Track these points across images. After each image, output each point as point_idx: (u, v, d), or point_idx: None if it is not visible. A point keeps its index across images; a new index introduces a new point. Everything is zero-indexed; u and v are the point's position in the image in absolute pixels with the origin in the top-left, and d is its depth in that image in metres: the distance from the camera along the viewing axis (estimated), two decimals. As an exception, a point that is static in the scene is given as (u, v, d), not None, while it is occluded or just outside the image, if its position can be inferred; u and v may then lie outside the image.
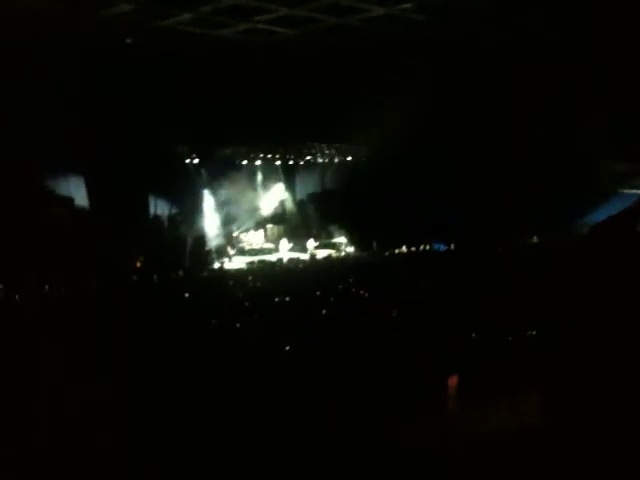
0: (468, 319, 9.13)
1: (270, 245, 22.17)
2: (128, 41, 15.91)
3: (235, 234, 22.04)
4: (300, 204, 24.09)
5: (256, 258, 20.41)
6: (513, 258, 15.80)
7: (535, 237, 20.29)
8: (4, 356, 8.01)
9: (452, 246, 20.22)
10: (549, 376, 7.01)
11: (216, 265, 19.42)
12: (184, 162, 20.84)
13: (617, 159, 21.01)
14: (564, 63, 16.33)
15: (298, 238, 22.29)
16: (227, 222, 21.95)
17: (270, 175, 23.28)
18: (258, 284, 15.21)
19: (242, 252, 21.42)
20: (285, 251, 21.62)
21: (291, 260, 20.10)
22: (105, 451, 6.16)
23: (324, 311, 11.24)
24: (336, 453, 6.19)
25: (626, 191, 21.50)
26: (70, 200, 18.28)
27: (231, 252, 20.95)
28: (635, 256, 12.95)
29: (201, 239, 20.22)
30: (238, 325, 10.39)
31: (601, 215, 21.02)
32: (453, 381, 7.55)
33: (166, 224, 20.49)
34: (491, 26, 15.21)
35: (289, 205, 23.86)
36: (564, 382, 6.71)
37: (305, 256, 21.06)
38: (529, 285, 11.49)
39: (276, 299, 12.60)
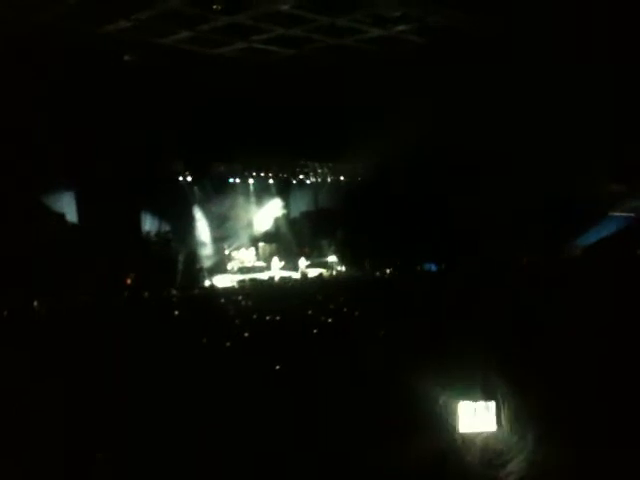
0: (459, 339, 9.13)
1: (262, 263, 22.15)
2: (126, 58, 15.99)
3: (227, 252, 22.00)
4: (292, 222, 24.07)
5: (247, 276, 20.37)
6: (504, 278, 15.81)
7: (526, 258, 20.32)
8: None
9: (443, 266, 20.23)
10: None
11: (207, 283, 19.38)
12: (177, 179, 20.82)
13: (610, 181, 21.14)
14: (561, 81, 16.45)
15: (290, 256, 22.29)
16: (219, 240, 21.91)
17: (263, 193, 23.30)
18: (249, 303, 15.14)
19: (233, 270, 21.38)
20: (277, 269, 21.60)
21: (282, 279, 20.08)
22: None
23: (315, 330, 11.21)
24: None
25: (617, 214, 21.59)
26: (61, 216, 18.18)
27: (222, 270, 20.93)
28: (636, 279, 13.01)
29: (192, 256, 20.14)
30: (228, 344, 10.33)
31: (592, 237, 21.09)
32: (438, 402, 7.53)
33: (158, 241, 20.39)
34: (488, 47, 15.38)
35: (281, 223, 23.83)
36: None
37: (296, 275, 21.06)
38: (520, 304, 11.52)
39: (267, 317, 12.55)
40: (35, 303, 14.01)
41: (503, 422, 6.72)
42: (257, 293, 17.06)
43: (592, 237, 21.03)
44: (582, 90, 16.19)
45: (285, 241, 23.37)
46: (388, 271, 20.27)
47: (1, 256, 14.07)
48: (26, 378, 7.71)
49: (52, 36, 13.99)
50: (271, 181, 23.26)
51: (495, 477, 6.24)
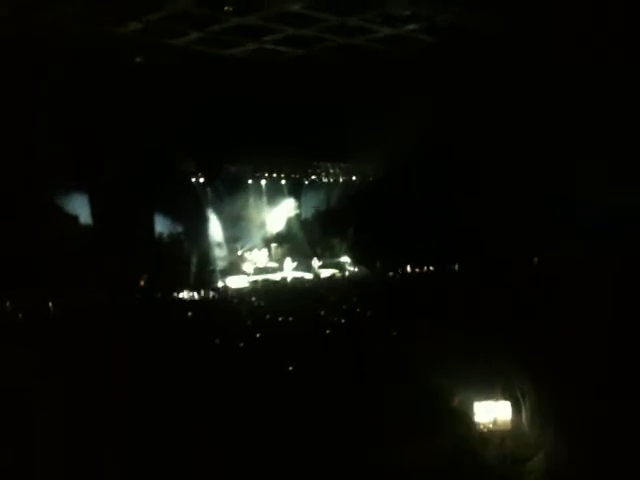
0: (475, 338, 9.09)
1: (274, 264, 22.14)
2: (137, 60, 16.04)
3: (239, 253, 22.01)
4: (305, 223, 24.04)
5: (260, 277, 20.37)
6: (517, 276, 15.74)
7: (538, 256, 20.19)
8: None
9: (456, 266, 20.12)
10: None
11: (220, 284, 19.40)
12: (190, 180, 20.85)
13: (613, 180, 20.98)
14: (567, 78, 16.37)
15: (302, 257, 22.27)
16: (231, 240, 21.93)
17: (275, 194, 23.29)
18: (261, 303, 15.14)
19: (246, 271, 21.40)
20: (289, 270, 21.60)
21: (295, 279, 20.06)
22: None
23: (327, 331, 11.19)
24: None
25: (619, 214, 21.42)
26: (74, 218, 18.27)
27: (235, 271, 20.96)
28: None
29: (205, 258, 20.18)
30: (241, 344, 10.33)
31: (596, 235, 20.92)
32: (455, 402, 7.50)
33: (170, 242, 20.43)
34: (496, 46, 15.32)
35: (294, 224, 23.79)
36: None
37: (309, 275, 21.04)
38: (534, 302, 11.47)
39: (279, 318, 12.54)
40: (49, 304, 14.09)
41: (523, 420, 6.68)
42: (270, 294, 17.07)
43: (596, 235, 20.88)
44: (588, 88, 16.12)
45: (297, 242, 23.32)
46: (400, 271, 20.19)
47: (16, 257, 14.17)
48: (40, 377, 7.75)
49: (68, 38, 14.06)
50: (283, 182, 23.26)
51: (516, 474, 6.21)
